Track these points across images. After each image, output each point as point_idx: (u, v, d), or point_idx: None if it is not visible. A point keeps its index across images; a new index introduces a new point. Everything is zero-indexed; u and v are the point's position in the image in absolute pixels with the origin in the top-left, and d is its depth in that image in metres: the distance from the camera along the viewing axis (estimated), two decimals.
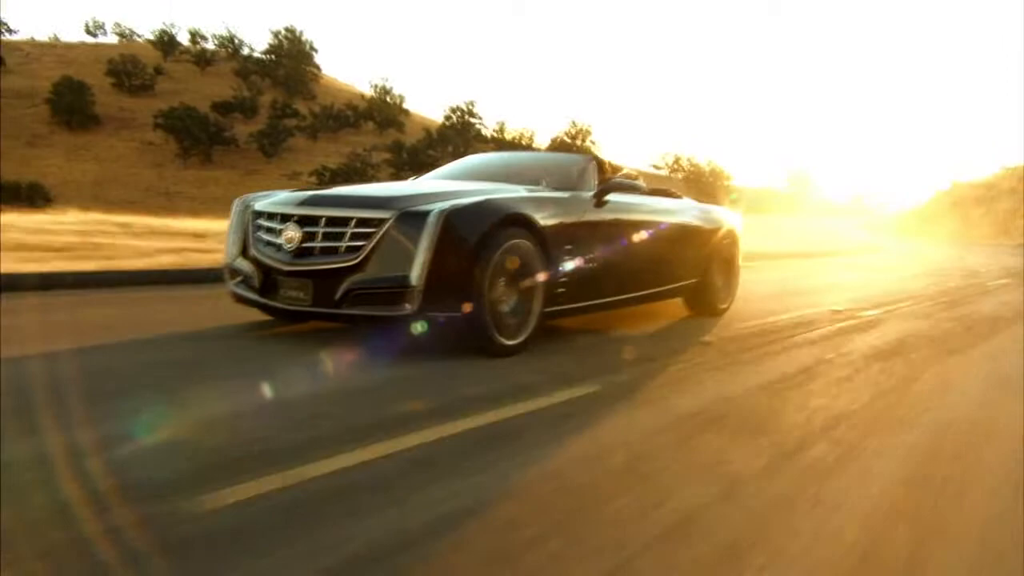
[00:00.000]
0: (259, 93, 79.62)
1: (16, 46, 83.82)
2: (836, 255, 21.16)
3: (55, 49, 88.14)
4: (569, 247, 4.19)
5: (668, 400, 3.28)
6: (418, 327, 3.49)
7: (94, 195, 50.33)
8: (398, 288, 3.49)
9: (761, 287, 8.76)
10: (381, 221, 3.59)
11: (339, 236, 3.65)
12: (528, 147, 76.63)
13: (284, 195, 4.20)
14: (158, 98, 74.73)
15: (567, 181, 4.71)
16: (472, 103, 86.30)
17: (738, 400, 3.36)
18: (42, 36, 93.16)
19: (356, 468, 2.22)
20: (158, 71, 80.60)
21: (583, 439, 2.65)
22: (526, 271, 3.89)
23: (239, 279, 4.16)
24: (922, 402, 3.55)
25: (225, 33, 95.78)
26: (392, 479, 2.16)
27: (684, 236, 5.57)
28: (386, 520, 1.87)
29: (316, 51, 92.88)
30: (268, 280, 3.86)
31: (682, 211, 5.69)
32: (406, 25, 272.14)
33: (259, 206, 4.10)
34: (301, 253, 3.71)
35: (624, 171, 5.33)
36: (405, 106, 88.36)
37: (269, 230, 3.95)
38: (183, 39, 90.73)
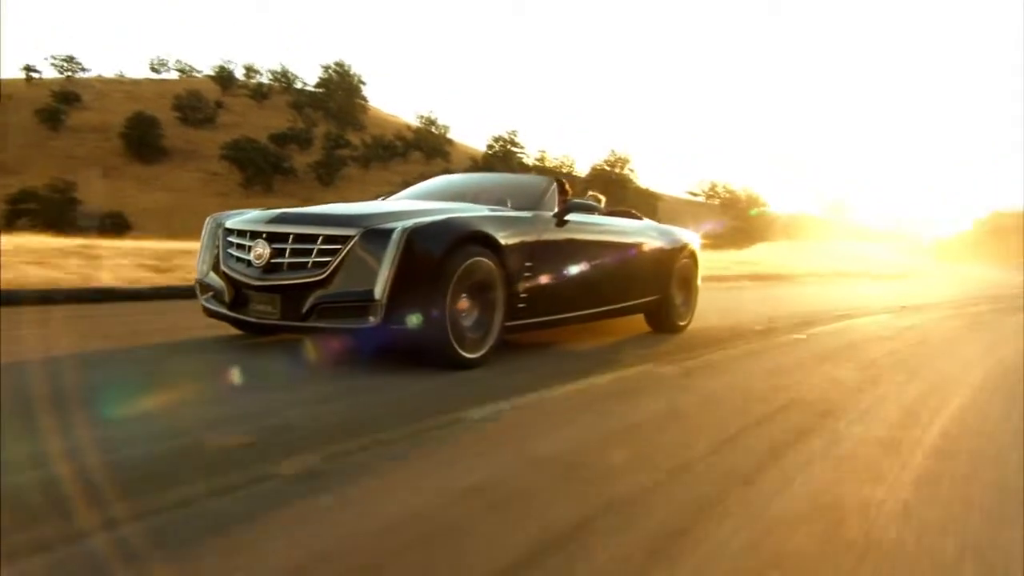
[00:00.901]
0: (313, 125, 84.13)
1: (89, 83, 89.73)
2: (856, 277, 22.60)
3: (123, 85, 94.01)
4: (530, 264, 4.38)
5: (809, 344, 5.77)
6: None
7: (166, 223, 54.39)
8: (363, 302, 3.64)
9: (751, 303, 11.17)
10: (347, 238, 3.74)
11: (307, 252, 3.80)
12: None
13: (254, 213, 4.36)
14: (220, 131, 79.59)
15: (530, 201, 4.89)
16: (514, 132, 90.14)
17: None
18: (109, 73, 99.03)
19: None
20: (219, 105, 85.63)
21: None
22: (487, 287, 4.05)
23: (210, 294, 4.31)
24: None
25: (278, 68, 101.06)
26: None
27: (643, 255, 5.77)
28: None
29: (364, 84, 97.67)
30: (238, 295, 4.01)
31: (642, 231, 5.90)
32: (449, 56, 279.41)
33: (230, 224, 4.26)
34: (270, 269, 3.85)
35: (590, 194, 5.77)
36: (449, 136, 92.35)
37: (239, 247, 4.08)
38: (239, 74, 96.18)
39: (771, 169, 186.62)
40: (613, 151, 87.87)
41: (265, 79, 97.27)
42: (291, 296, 3.75)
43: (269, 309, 3.84)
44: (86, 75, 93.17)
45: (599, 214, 5.42)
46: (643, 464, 2.32)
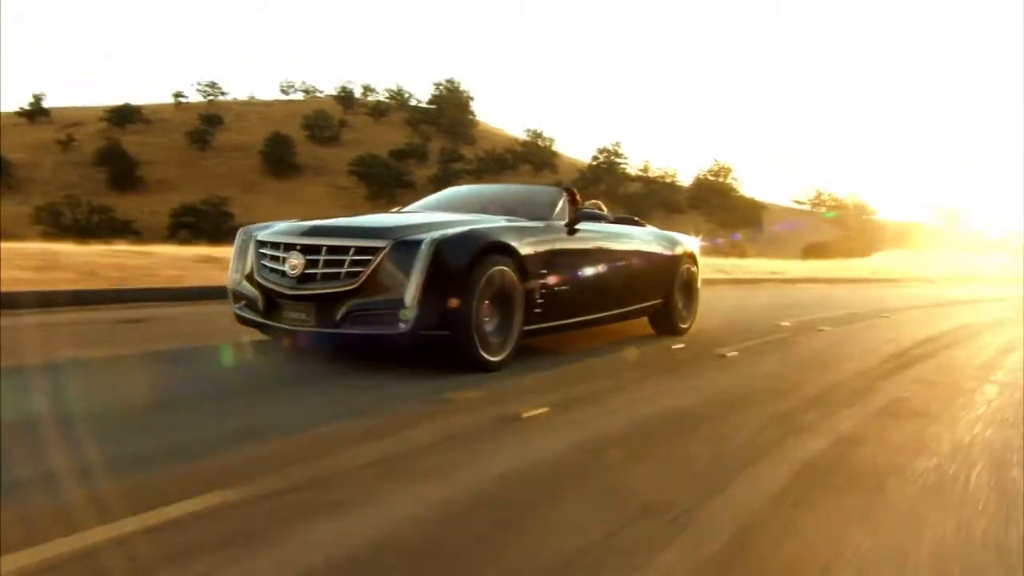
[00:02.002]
0: (428, 140, 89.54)
1: (228, 106, 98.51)
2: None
3: (255, 107, 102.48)
4: (545, 271, 4.52)
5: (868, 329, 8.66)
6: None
7: None
8: (394, 309, 3.80)
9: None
10: (377, 249, 3.88)
11: (339, 263, 3.93)
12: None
13: (284, 225, 4.49)
14: (344, 147, 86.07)
15: (541, 211, 5.03)
16: (618, 144, 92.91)
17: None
18: (243, 95, 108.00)
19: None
20: (342, 123, 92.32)
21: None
22: (507, 294, 4.21)
23: (243, 302, 4.43)
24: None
25: (393, 86, 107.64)
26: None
27: (648, 260, 5.95)
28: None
29: (472, 99, 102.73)
30: (272, 303, 4.13)
31: (646, 237, 6.09)
32: (552, 69, 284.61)
33: (262, 236, 4.36)
34: (304, 279, 3.98)
35: (591, 202, 5.86)
36: (554, 148, 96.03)
37: (273, 258, 4.20)
38: (357, 92, 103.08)
39: (879, 176, 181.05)
40: (716, 160, 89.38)
41: (381, 97, 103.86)
42: (324, 304, 3.92)
43: (303, 317, 3.99)
44: (225, 99, 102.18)
45: (606, 222, 5.61)
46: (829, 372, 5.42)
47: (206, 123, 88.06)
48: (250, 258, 4.38)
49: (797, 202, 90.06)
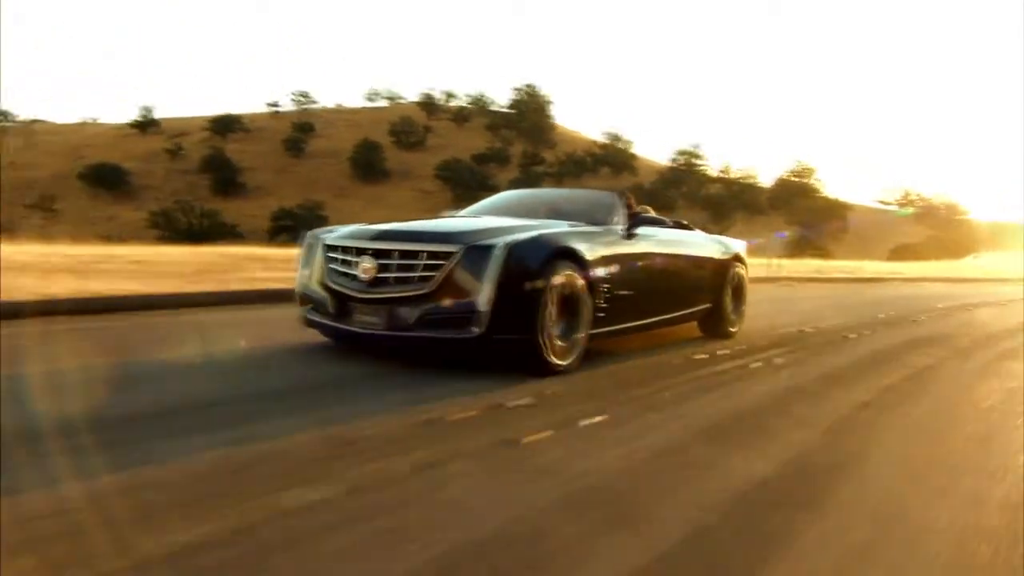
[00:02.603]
0: (509, 144, 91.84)
1: (318, 114, 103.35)
2: None
3: (343, 114, 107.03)
4: (607, 276, 4.57)
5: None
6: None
7: None
8: (467, 313, 3.86)
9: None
10: (450, 254, 3.93)
11: (412, 267, 3.98)
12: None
13: (351, 229, 4.53)
14: (428, 152, 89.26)
15: (600, 216, 5.10)
16: (697, 146, 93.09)
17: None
18: (330, 103, 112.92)
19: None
20: (426, 129, 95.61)
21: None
22: (574, 298, 4.24)
23: (310, 306, 4.48)
24: None
25: (474, 92, 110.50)
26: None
27: (700, 263, 6.03)
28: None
29: (551, 103, 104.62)
30: (343, 307, 4.18)
31: (697, 241, 6.17)
32: (629, 71, 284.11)
33: (330, 240, 4.41)
34: (376, 282, 4.04)
35: (641, 207, 5.71)
36: (633, 151, 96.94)
37: (344, 262, 4.25)
38: (438, 98, 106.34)
39: (970, 174, 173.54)
40: (799, 161, 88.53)
41: (462, 102, 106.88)
42: (397, 308, 3.97)
43: (375, 320, 4.04)
44: (315, 107, 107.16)
45: (662, 226, 5.67)
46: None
47: (299, 131, 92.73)
48: (318, 262, 4.45)
49: (882, 202, 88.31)
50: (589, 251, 4.41)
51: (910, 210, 79.58)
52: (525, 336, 3.94)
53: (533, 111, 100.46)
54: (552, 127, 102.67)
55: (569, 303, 4.22)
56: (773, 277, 15.85)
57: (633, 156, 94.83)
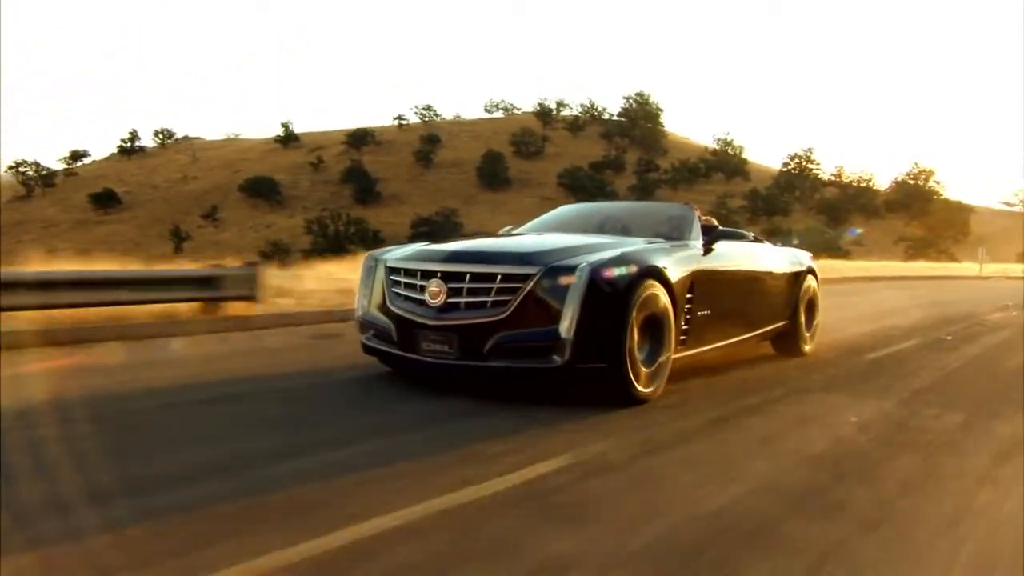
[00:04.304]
0: (623, 152, 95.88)
1: (440, 126, 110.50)
2: None
3: (463, 126, 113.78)
4: (689, 295, 4.32)
5: None
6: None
7: None
8: (548, 341, 3.64)
9: None
10: (527, 276, 3.72)
11: (485, 291, 3.77)
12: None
13: (414, 249, 4.36)
14: (546, 160, 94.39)
15: (675, 230, 4.86)
16: (810, 150, 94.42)
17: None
18: (448, 115, 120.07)
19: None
20: (544, 139, 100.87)
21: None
22: (659, 321, 4.01)
23: (371, 332, 4.31)
24: None
25: (586, 101, 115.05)
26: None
27: (776, 279, 5.70)
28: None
29: (662, 111, 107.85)
30: (408, 334, 3.97)
31: (772, 255, 5.85)
32: (740, 76, 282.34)
33: (393, 262, 4.21)
34: (446, 308, 3.81)
35: (705, 218, 5.25)
36: (744, 156, 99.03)
37: (408, 285, 4.05)
38: (551, 108, 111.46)
39: None
40: (916, 163, 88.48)
41: (574, 112, 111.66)
42: (470, 336, 3.78)
43: (445, 349, 3.84)
44: (437, 120, 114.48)
45: (740, 240, 5.43)
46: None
47: (426, 143, 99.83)
48: (380, 284, 4.28)
49: (1007, 204, 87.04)
50: (673, 269, 4.22)
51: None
52: (612, 364, 3.75)
53: (644, 119, 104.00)
54: (663, 134, 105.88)
55: (653, 326, 4.03)
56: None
57: (744, 161, 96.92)
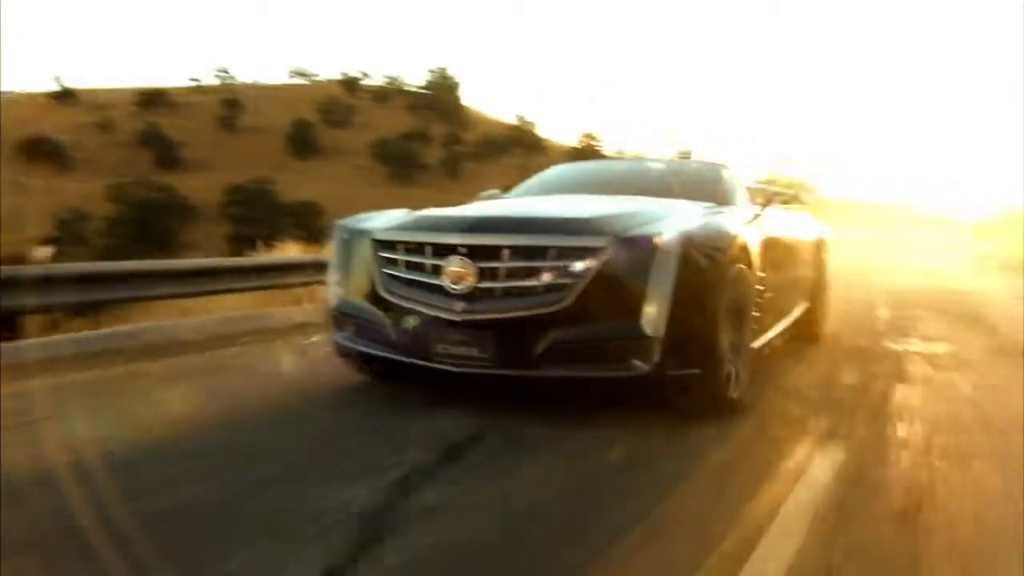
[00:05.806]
0: (429, 124, 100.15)
1: (239, 90, 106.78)
2: None
3: (264, 91, 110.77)
4: (762, 275, 3.57)
5: None
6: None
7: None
8: (628, 340, 2.82)
9: None
10: (594, 250, 2.87)
11: (533, 272, 2.90)
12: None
13: (417, 216, 3.49)
14: (355, 130, 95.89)
15: (717, 195, 4.07)
16: (596, 130, 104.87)
17: None
18: (247, 79, 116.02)
19: None
20: (350, 108, 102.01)
21: None
22: (741, 305, 3.30)
23: (351, 329, 3.39)
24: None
25: (390, 73, 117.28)
26: None
27: (808, 251, 5.02)
28: None
29: (459, 84, 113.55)
30: (415, 332, 3.06)
31: (802, 222, 5.14)
32: (538, 56, 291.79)
33: (384, 234, 3.30)
34: (474, 295, 2.91)
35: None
36: (536, 132, 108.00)
37: (414, 266, 3.13)
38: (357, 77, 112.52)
39: None
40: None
41: (378, 82, 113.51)
42: (513, 334, 2.91)
43: (474, 353, 2.95)
44: (233, 83, 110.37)
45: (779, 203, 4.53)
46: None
47: (229, 107, 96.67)
48: (364, 265, 3.34)
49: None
50: (752, 241, 3.47)
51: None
52: (709, 369, 3.01)
53: (445, 91, 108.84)
54: (462, 108, 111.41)
55: (735, 312, 3.28)
56: None
57: (540, 138, 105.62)
